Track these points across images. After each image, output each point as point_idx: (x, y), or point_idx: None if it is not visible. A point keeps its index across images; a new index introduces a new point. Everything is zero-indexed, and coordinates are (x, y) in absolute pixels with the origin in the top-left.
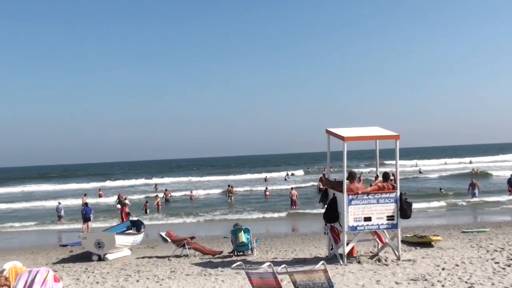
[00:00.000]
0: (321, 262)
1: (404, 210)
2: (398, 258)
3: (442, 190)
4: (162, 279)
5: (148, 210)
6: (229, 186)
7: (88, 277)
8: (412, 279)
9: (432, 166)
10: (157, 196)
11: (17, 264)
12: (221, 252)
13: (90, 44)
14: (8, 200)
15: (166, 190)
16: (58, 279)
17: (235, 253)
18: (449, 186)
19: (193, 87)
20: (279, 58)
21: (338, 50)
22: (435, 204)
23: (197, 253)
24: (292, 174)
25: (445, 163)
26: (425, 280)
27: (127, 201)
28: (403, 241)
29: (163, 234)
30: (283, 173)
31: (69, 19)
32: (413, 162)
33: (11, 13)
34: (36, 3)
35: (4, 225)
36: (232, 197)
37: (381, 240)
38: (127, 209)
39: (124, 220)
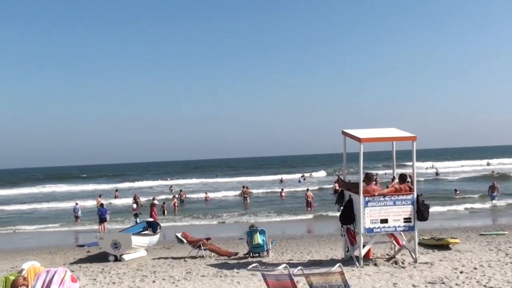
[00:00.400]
0: (338, 264)
1: (421, 212)
2: (415, 261)
3: (458, 192)
4: (178, 280)
5: (166, 212)
6: (244, 187)
7: (105, 278)
8: (429, 282)
9: (449, 168)
10: (174, 197)
11: (35, 264)
12: (236, 254)
13: (108, 44)
14: (27, 201)
15: (181, 190)
16: (75, 279)
17: (251, 255)
18: (468, 188)
19: (206, 89)
20: (293, 60)
21: (356, 51)
22: (452, 206)
23: (212, 254)
24: (310, 175)
25: (462, 165)
26: (443, 283)
27: (155, 201)
28: (420, 244)
29: (179, 235)
30: (301, 175)
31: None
32: (430, 164)
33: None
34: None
35: (22, 226)
36: (248, 198)
37: (398, 243)
38: (155, 210)
39: (154, 219)
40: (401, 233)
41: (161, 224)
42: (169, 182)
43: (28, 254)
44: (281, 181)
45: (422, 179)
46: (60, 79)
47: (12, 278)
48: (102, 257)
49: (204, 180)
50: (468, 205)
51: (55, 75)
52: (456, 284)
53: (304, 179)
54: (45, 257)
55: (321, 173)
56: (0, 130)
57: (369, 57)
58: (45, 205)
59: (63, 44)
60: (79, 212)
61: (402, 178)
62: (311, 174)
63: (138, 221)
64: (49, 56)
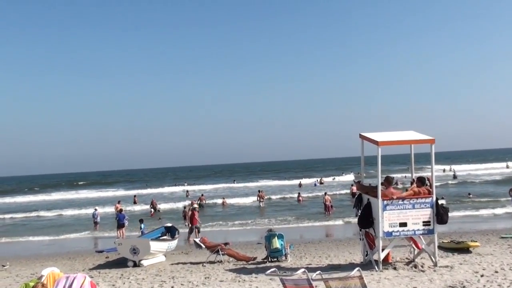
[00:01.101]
0: (356, 268)
1: (441, 215)
2: (435, 265)
3: (471, 195)
4: (196, 285)
5: (187, 216)
6: (260, 191)
7: (124, 283)
8: (450, 286)
9: (468, 171)
10: (193, 202)
11: (55, 270)
12: (255, 258)
13: (135, 49)
14: (46, 208)
15: (202, 195)
16: (94, 285)
17: (269, 259)
18: (489, 190)
19: (226, 93)
20: (310, 62)
21: (374, 52)
22: (470, 210)
23: (231, 259)
24: (333, 179)
25: (480, 168)
26: (463, 287)
27: (195, 205)
28: (439, 247)
29: (197, 240)
30: (317, 179)
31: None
32: (448, 167)
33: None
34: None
35: (41, 232)
36: (263, 202)
37: (417, 246)
38: (196, 214)
39: (194, 223)
40: (420, 236)
41: (180, 229)
42: (186, 188)
43: (47, 260)
44: (300, 185)
45: (438, 183)
46: (81, 83)
47: (31, 284)
48: (121, 263)
49: (221, 185)
50: (488, 209)
51: (75, 79)
52: None
53: (322, 183)
54: (64, 263)
55: (349, 177)
56: (23, 137)
57: (387, 58)
58: (65, 212)
59: (83, 47)
60: (98, 218)
61: (421, 181)
62: (334, 178)
63: (142, 227)
64: (67, 59)
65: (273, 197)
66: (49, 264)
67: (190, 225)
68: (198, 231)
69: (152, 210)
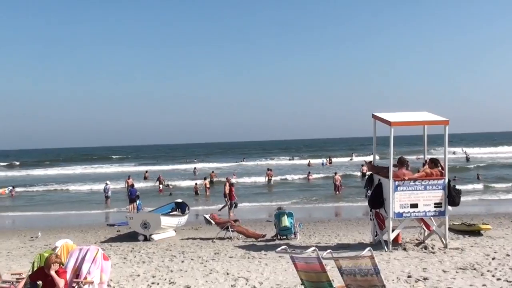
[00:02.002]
0: (368, 248)
1: (453, 197)
2: (446, 246)
3: (480, 177)
4: (206, 261)
5: (199, 192)
6: (268, 169)
7: (135, 257)
8: (460, 268)
9: (481, 154)
10: (205, 178)
11: (68, 242)
12: (264, 236)
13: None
14: (58, 182)
15: (212, 172)
16: (107, 257)
17: (278, 237)
18: (504, 173)
19: (238, 68)
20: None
21: (390, 31)
22: (485, 193)
23: (240, 236)
24: (331, 162)
25: (492, 152)
26: (474, 269)
27: (233, 180)
28: (450, 229)
29: (207, 216)
30: (326, 159)
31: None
32: (458, 149)
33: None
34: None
35: (55, 205)
36: (271, 181)
37: (427, 228)
38: (234, 189)
39: (232, 199)
40: (431, 218)
41: (190, 205)
42: (195, 165)
43: (60, 232)
44: (309, 164)
45: (450, 164)
46: (99, 54)
47: (46, 255)
48: (131, 237)
49: (230, 164)
50: (501, 192)
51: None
52: (488, 271)
53: (330, 163)
54: (77, 235)
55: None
56: (32, 111)
57: (398, 38)
58: (75, 186)
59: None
60: (109, 192)
61: (434, 162)
62: (351, 158)
63: (138, 202)
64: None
65: (282, 176)
66: (62, 236)
67: (229, 201)
68: (235, 207)
69: (160, 186)
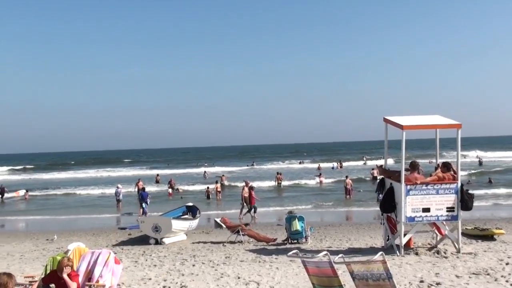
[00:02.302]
0: (380, 252)
1: (465, 201)
2: (458, 251)
3: (492, 181)
4: (217, 264)
5: (210, 196)
6: (278, 173)
7: (146, 260)
8: (473, 273)
9: (494, 158)
10: (216, 182)
11: (81, 245)
12: (275, 240)
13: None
14: (71, 185)
15: (223, 175)
16: (118, 261)
17: (289, 241)
18: None
19: (253, 72)
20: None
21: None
22: (498, 197)
23: (251, 240)
24: (341, 166)
25: (506, 156)
26: (488, 274)
27: (253, 185)
28: (463, 234)
29: (218, 220)
30: (336, 162)
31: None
32: (471, 152)
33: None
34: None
35: (67, 209)
36: (281, 184)
37: (440, 232)
38: (253, 193)
39: (252, 203)
40: (444, 222)
41: (201, 209)
42: (206, 169)
43: (72, 235)
44: (319, 168)
45: (462, 168)
46: (105, 60)
47: (58, 258)
48: (143, 240)
49: (240, 168)
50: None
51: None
52: (502, 276)
53: (341, 167)
54: (88, 239)
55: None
56: (46, 116)
57: (413, 45)
58: (87, 190)
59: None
60: (121, 196)
61: (446, 166)
62: (365, 163)
63: (144, 206)
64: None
65: (293, 180)
66: (74, 239)
67: (247, 205)
68: (255, 211)
69: (170, 190)
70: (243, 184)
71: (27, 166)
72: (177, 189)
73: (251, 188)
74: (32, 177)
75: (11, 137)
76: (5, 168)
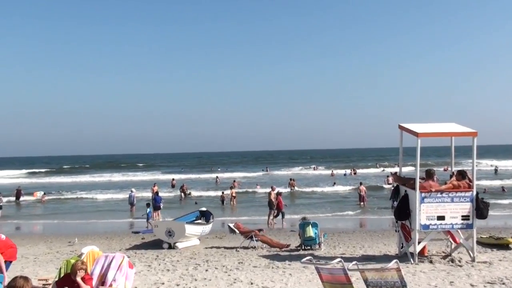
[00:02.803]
0: (394, 260)
1: (481, 210)
2: (473, 260)
3: (505, 189)
4: (230, 270)
5: (224, 202)
6: (291, 179)
7: (159, 264)
8: (488, 282)
9: (510, 167)
10: (231, 187)
11: (94, 249)
12: (288, 246)
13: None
14: (86, 189)
15: (234, 181)
16: (132, 265)
17: (303, 247)
18: None
19: (272, 78)
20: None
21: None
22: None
23: (264, 246)
24: (355, 173)
25: None
26: (503, 284)
27: (279, 190)
28: (478, 242)
29: (231, 225)
30: (349, 169)
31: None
32: (487, 161)
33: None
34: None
35: (81, 212)
36: (294, 189)
37: (454, 240)
38: (281, 198)
39: (281, 208)
40: (459, 230)
41: (219, 214)
42: (219, 174)
43: (86, 238)
44: (332, 174)
45: (478, 176)
46: (111, 70)
47: (72, 261)
48: (156, 244)
49: (251, 174)
50: None
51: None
52: None
53: (355, 174)
54: (102, 242)
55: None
56: (63, 120)
57: (425, 51)
58: (102, 194)
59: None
60: (134, 200)
61: (461, 174)
62: (383, 169)
63: (148, 210)
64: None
65: (307, 186)
66: (87, 243)
67: (275, 210)
68: (283, 216)
69: (182, 194)
70: (269, 189)
71: (42, 170)
72: (189, 193)
73: (278, 194)
74: (49, 180)
75: (27, 140)
76: (24, 171)
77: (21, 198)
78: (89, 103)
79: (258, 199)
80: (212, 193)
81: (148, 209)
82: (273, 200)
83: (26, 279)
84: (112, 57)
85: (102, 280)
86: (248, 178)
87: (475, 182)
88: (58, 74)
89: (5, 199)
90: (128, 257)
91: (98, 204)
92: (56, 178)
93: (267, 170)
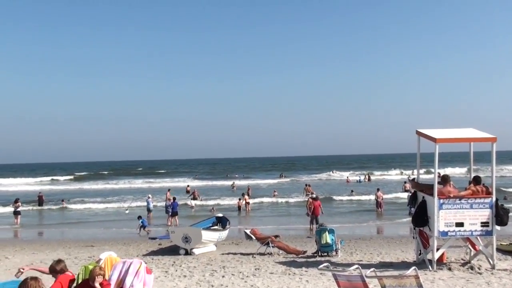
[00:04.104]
0: (413, 267)
1: (501, 216)
2: (493, 267)
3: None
4: (247, 276)
5: (241, 208)
6: (306, 185)
7: (176, 270)
8: None
9: None
10: (243, 194)
11: (112, 255)
12: (305, 252)
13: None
14: (101, 195)
15: (248, 187)
16: (149, 270)
17: (319, 254)
18: None
19: (289, 85)
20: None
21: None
22: None
23: (281, 252)
24: (369, 179)
25: None
26: None
27: (314, 195)
28: (498, 249)
29: (247, 231)
30: (364, 175)
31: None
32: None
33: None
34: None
35: (98, 218)
36: (310, 195)
37: (474, 247)
38: (316, 203)
39: (317, 214)
40: (478, 237)
41: (235, 220)
42: (235, 181)
43: (104, 244)
44: (348, 181)
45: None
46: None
47: (91, 267)
48: (173, 250)
49: (268, 181)
50: None
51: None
52: None
53: (369, 181)
54: (119, 248)
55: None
56: (74, 125)
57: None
58: (119, 203)
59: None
60: (151, 205)
61: (477, 180)
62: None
63: (141, 221)
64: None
65: (322, 192)
66: (105, 249)
67: (310, 215)
68: (316, 222)
69: (193, 202)
70: (311, 195)
71: (60, 178)
72: (201, 199)
73: (314, 199)
74: (67, 187)
75: (47, 147)
76: (40, 178)
77: (44, 205)
78: (111, 111)
79: (275, 206)
80: (228, 199)
81: (140, 220)
82: (309, 206)
83: (36, 279)
84: (128, 62)
85: (120, 285)
86: (262, 185)
87: (494, 188)
88: (75, 81)
89: (29, 207)
90: (145, 263)
91: (115, 211)
92: (75, 185)
93: (283, 176)
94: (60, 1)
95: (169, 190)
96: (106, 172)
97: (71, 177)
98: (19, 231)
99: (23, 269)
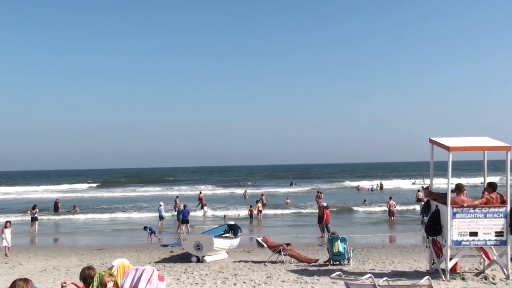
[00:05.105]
0: (426, 277)
1: None
2: (508, 277)
3: None
4: (258, 284)
5: (252, 216)
6: (318, 192)
7: (188, 278)
8: None
9: None
10: (257, 201)
11: (125, 262)
12: (316, 260)
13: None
14: (114, 203)
15: (262, 195)
16: (162, 278)
17: (331, 262)
18: None
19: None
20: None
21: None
22: None
23: (292, 260)
24: (381, 188)
25: None
26: None
27: (326, 204)
28: None
29: (259, 239)
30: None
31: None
32: None
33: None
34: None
35: (110, 225)
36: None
37: (488, 257)
38: (327, 212)
39: (327, 222)
40: (492, 247)
41: (247, 228)
42: (247, 189)
43: (116, 251)
44: (358, 189)
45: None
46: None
47: (103, 274)
48: (184, 258)
49: (279, 189)
50: None
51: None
52: None
53: (381, 189)
54: (131, 255)
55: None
56: (95, 132)
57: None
58: (133, 212)
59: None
60: (163, 213)
61: (492, 186)
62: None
63: (150, 229)
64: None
65: (334, 200)
66: (117, 255)
67: (322, 224)
68: (328, 231)
69: (205, 209)
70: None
71: (77, 186)
72: (208, 206)
73: (325, 208)
74: (82, 194)
75: (59, 154)
76: (56, 186)
77: (60, 211)
78: (123, 118)
79: (287, 215)
80: (240, 208)
81: (148, 229)
82: (322, 215)
83: (26, 281)
84: (143, 69)
85: None
86: (274, 193)
87: (509, 197)
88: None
89: (43, 216)
90: (158, 270)
91: (128, 219)
92: (90, 193)
93: (294, 184)
94: (59, 5)
95: (177, 197)
96: (123, 180)
97: (84, 184)
98: (33, 237)
99: (65, 283)
